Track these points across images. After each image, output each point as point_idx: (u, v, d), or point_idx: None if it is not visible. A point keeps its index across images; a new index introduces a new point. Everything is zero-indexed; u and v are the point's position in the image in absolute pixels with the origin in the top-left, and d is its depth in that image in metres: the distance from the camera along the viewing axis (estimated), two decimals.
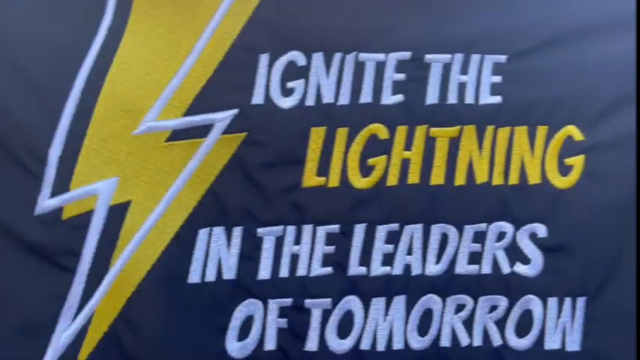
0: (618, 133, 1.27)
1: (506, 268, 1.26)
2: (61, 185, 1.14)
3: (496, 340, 1.25)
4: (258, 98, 1.19)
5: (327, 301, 1.21)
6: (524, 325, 1.26)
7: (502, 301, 1.25)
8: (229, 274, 1.19)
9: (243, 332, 1.19)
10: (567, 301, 1.26)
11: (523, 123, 1.26)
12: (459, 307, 1.25)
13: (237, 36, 1.19)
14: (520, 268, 1.26)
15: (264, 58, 1.19)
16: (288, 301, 1.21)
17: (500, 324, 1.26)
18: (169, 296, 1.17)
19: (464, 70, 1.25)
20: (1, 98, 1.12)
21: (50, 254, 1.13)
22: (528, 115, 1.26)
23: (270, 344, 1.20)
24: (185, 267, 1.18)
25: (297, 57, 1.20)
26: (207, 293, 1.18)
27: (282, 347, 1.20)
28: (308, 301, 1.21)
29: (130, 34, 1.17)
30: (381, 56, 1.22)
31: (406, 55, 1.23)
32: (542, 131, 1.26)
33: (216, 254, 1.19)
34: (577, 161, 1.27)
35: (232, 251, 1.20)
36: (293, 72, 1.20)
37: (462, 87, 1.25)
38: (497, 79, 1.25)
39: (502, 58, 1.25)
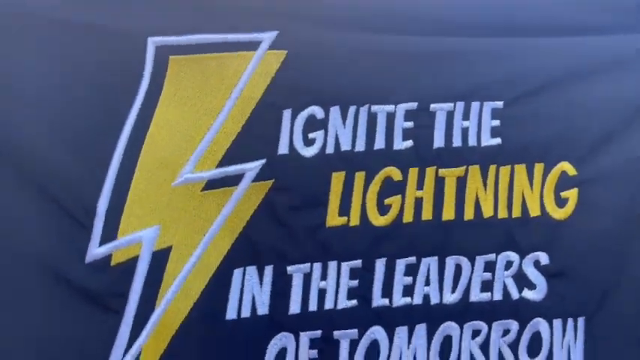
0: (608, 167, 1.41)
1: (515, 294, 1.37)
2: (109, 234, 1.25)
3: None
4: (283, 149, 1.32)
5: (354, 332, 1.32)
6: (534, 346, 1.37)
7: (513, 325, 1.37)
8: (263, 309, 1.30)
9: None
10: (570, 321, 1.38)
11: (521, 161, 1.40)
12: (475, 333, 1.36)
13: (262, 95, 1.32)
14: (527, 294, 1.38)
15: (287, 114, 1.33)
16: (317, 333, 1.31)
17: (513, 346, 1.37)
18: (210, 332, 1.27)
19: (465, 116, 1.39)
20: (54, 160, 1.24)
21: (100, 298, 1.23)
22: (526, 154, 1.40)
23: None
24: (223, 304, 1.28)
25: (316, 111, 1.34)
26: (243, 328, 1.28)
27: None
28: (336, 333, 1.31)
29: (166, 97, 1.30)
30: (390, 107, 1.36)
31: (413, 105, 1.37)
32: (539, 168, 1.40)
33: (250, 291, 1.29)
34: (572, 194, 1.40)
35: (265, 288, 1.30)
36: (313, 124, 1.33)
37: (465, 131, 1.38)
38: (496, 122, 1.39)
39: (499, 104, 1.40)
